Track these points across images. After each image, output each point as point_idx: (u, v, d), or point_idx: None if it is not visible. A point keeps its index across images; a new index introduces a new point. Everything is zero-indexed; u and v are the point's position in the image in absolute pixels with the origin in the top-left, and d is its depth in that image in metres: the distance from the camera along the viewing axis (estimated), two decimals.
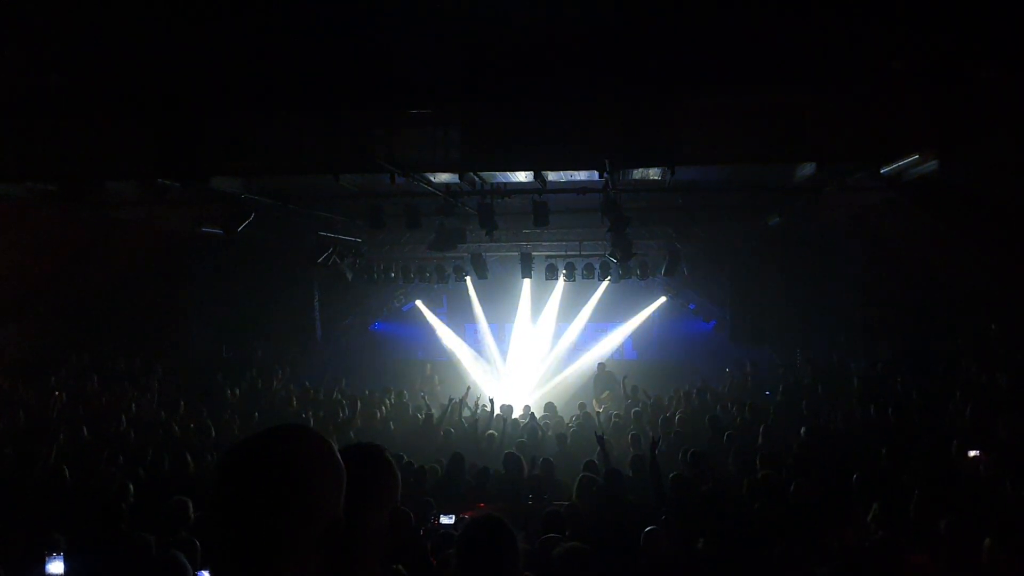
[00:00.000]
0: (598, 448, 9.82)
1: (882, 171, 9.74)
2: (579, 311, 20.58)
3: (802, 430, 11.11)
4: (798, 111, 9.04)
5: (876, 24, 7.64)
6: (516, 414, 15.09)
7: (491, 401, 14.19)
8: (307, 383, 16.64)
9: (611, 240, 13.19)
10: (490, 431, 12.88)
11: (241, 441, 1.72)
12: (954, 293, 14.65)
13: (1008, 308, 13.93)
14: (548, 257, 17.16)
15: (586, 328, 20.68)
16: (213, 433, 12.09)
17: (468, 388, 16.01)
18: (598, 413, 15.17)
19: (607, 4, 7.52)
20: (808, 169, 10.90)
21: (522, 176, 11.06)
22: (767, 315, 17.91)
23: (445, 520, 8.22)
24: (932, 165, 9.07)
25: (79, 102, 9.49)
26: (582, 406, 15.55)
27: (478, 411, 14.26)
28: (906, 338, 15.67)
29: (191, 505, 6.98)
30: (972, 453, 9.36)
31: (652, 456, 8.40)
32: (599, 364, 19.30)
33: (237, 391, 15.34)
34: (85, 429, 11.53)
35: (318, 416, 13.97)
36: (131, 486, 8.38)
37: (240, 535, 1.61)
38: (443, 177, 11.02)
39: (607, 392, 17.99)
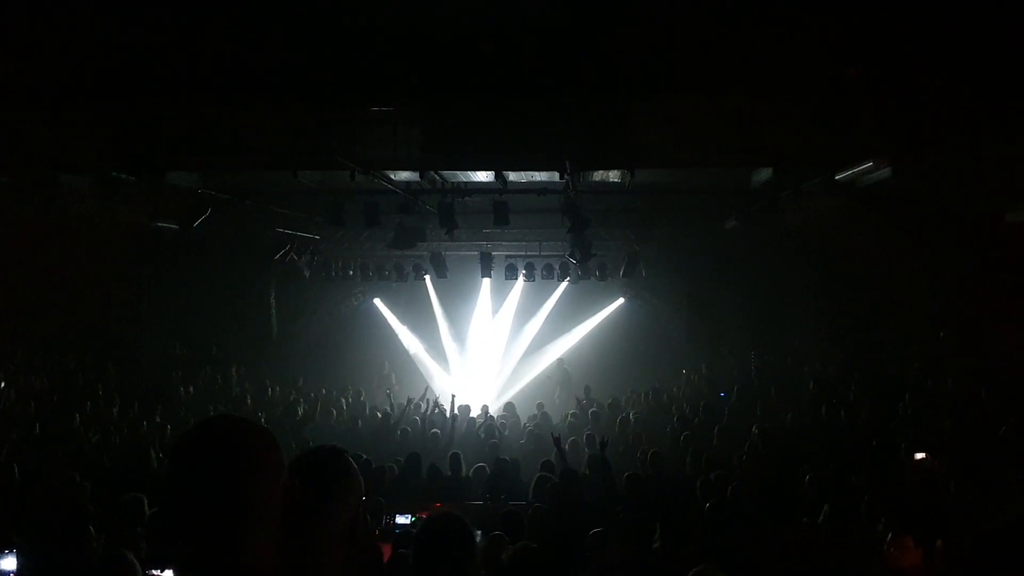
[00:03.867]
0: (555, 449, 9.85)
1: (836, 177, 9.92)
2: (538, 311, 20.61)
3: (754, 430, 11.24)
4: (755, 116, 9.16)
5: (832, 32, 7.76)
6: (474, 413, 15.09)
7: (452, 397, 14.18)
8: (267, 381, 16.47)
9: (570, 241, 13.25)
10: (434, 430, 12.86)
11: (184, 434, 1.78)
12: (906, 298, 14.93)
13: (957, 314, 14.23)
14: (508, 257, 17.18)
15: (544, 328, 20.71)
16: (169, 431, 11.93)
17: (426, 388, 15.97)
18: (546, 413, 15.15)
19: (569, 8, 7.56)
20: (764, 174, 11.05)
21: (483, 176, 11.07)
22: (723, 318, 18.11)
23: (401, 520, 8.20)
24: (885, 172, 9.24)
25: (31, 91, 9.29)
26: (540, 406, 15.60)
27: (432, 411, 14.24)
28: (858, 342, 15.94)
29: (146, 502, 6.89)
30: (919, 455, 9.55)
31: (602, 456, 8.46)
32: (558, 360, 19.42)
33: (192, 389, 15.15)
34: (37, 426, 11.32)
35: (274, 415, 13.85)
36: (87, 485, 8.24)
37: (198, 518, 1.67)
38: (403, 175, 11.00)
39: (559, 388, 18.14)
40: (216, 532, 1.66)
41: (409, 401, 14.60)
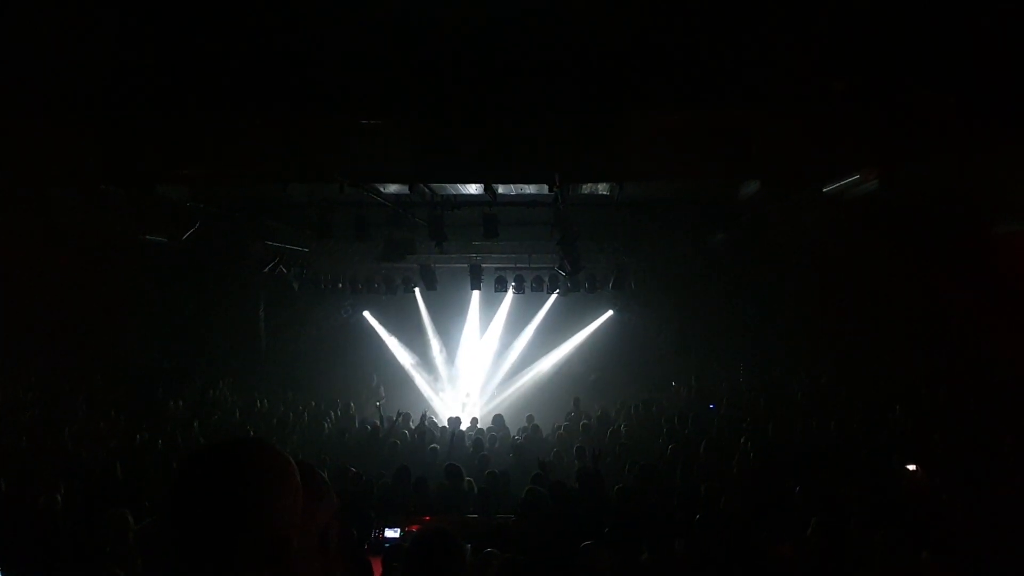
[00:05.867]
0: (542, 461, 9.83)
1: (824, 190, 9.97)
2: (527, 323, 20.61)
3: (744, 441, 11.24)
4: (743, 130, 9.20)
5: (818, 46, 7.82)
6: (464, 426, 15.06)
7: (424, 415, 14.19)
8: (255, 394, 16.39)
9: (560, 253, 13.27)
10: (433, 445, 12.82)
11: (198, 451, 1.74)
12: (895, 309, 14.98)
13: (946, 325, 14.28)
14: (497, 269, 17.18)
15: (534, 340, 20.70)
16: (160, 444, 11.87)
17: (424, 413, 15.91)
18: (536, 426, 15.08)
19: (558, 22, 7.59)
20: (752, 186, 11.10)
21: (472, 188, 11.08)
22: (712, 329, 18.15)
23: (390, 533, 8.16)
24: (873, 184, 9.29)
25: (19, 104, 9.26)
26: (530, 418, 15.56)
27: (422, 425, 14.20)
28: (847, 353, 15.98)
29: (131, 517, 6.83)
30: (911, 467, 9.57)
31: (595, 469, 8.44)
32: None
33: (181, 402, 15.08)
34: (24, 439, 11.26)
35: (264, 427, 13.79)
36: (59, 497, 8.17)
37: (191, 542, 1.64)
38: (393, 188, 10.99)
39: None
40: (203, 565, 1.63)
41: (399, 414, 14.55)
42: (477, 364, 20.92)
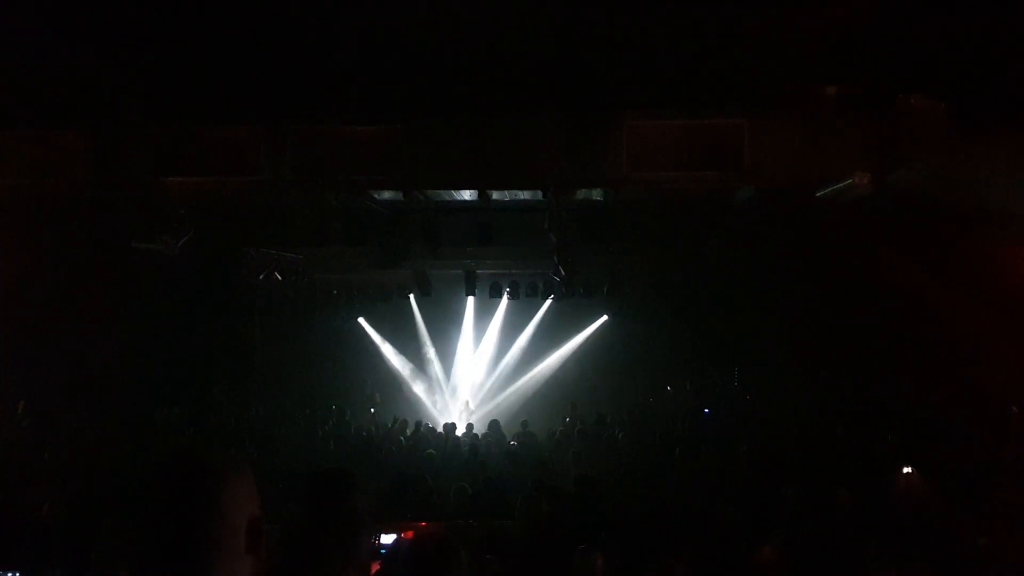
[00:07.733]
0: (540, 467, 9.83)
1: (817, 194, 10.00)
2: (523, 329, 20.59)
3: (739, 446, 11.25)
4: (736, 135, 9.23)
5: (811, 53, 7.86)
6: (459, 432, 15.04)
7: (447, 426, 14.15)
8: (250, 401, 16.35)
9: (555, 258, 13.28)
10: (429, 451, 12.81)
11: (159, 460, 1.90)
12: (890, 313, 14.99)
13: (943, 329, 14.29)
14: (492, 275, 17.16)
15: (529, 346, 20.68)
16: (153, 452, 11.84)
17: (419, 421, 15.88)
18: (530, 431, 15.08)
19: (552, 29, 7.62)
20: (747, 191, 11.12)
21: (467, 194, 11.09)
22: (707, 334, 18.15)
23: (386, 539, 8.13)
24: (866, 189, 9.32)
25: (12, 110, 9.25)
26: (525, 424, 15.56)
27: (417, 432, 14.19)
28: (844, 357, 15.99)
29: (131, 525, 6.79)
30: (906, 470, 9.57)
31: (591, 473, 8.45)
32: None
33: (176, 409, 15.03)
34: (17, 450, 11.24)
35: (259, 434, 13.76)
36: (59, 506, 8.15)
37: (152, 540, 1.73)
38: (387, 194, 10.99)
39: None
40: (180, 563, 1.70)
41: (395, 420, 14.54)
42: (472, 370, 20.90)
